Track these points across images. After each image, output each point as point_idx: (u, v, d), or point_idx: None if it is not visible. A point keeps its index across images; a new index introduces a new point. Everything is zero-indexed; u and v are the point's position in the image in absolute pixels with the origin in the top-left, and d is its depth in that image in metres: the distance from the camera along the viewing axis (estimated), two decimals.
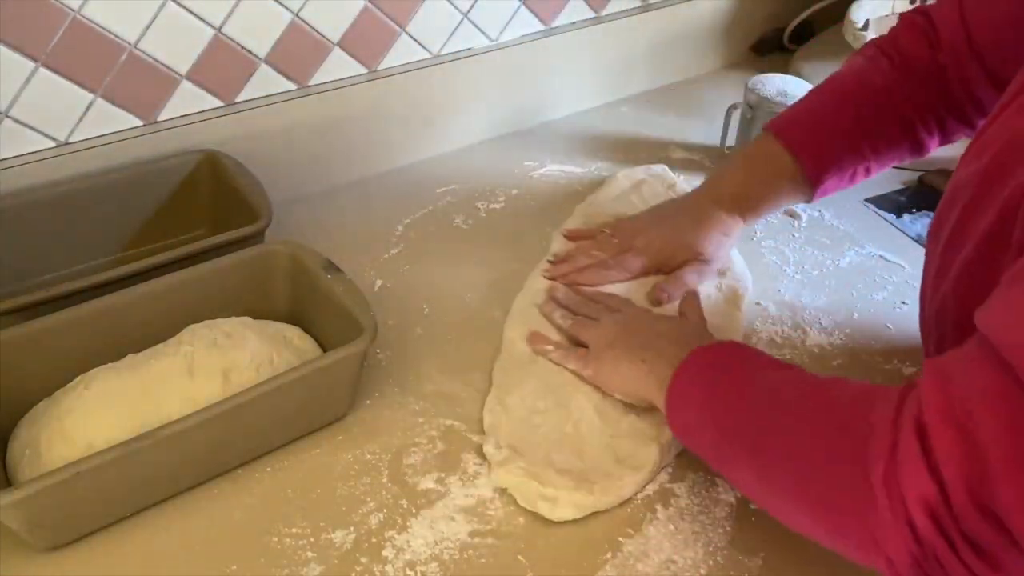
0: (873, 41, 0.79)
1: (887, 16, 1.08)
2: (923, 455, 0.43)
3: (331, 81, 0.90)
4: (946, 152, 0.99)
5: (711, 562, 0.59)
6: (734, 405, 0.57)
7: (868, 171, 0.79)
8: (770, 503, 0.55)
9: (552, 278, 0.79)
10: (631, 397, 0.67)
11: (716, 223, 0.80)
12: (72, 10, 0.72)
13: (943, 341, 0.60)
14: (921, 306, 0.66)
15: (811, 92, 0.81)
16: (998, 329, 0.42)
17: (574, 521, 0.62)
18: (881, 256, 0.88)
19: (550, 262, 0.82)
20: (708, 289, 0.80)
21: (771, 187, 0.79)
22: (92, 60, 0.75)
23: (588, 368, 0.69)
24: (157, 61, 0.78)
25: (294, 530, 0.60)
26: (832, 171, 0.77)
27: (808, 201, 0.80)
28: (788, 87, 0.94)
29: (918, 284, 0.82)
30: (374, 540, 0.60)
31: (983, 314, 0.44)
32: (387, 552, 0.59)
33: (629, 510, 0.62)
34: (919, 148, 0.78)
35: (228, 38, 0.81)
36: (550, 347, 0.72)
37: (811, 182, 0.77)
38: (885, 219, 0.93)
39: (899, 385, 0.48)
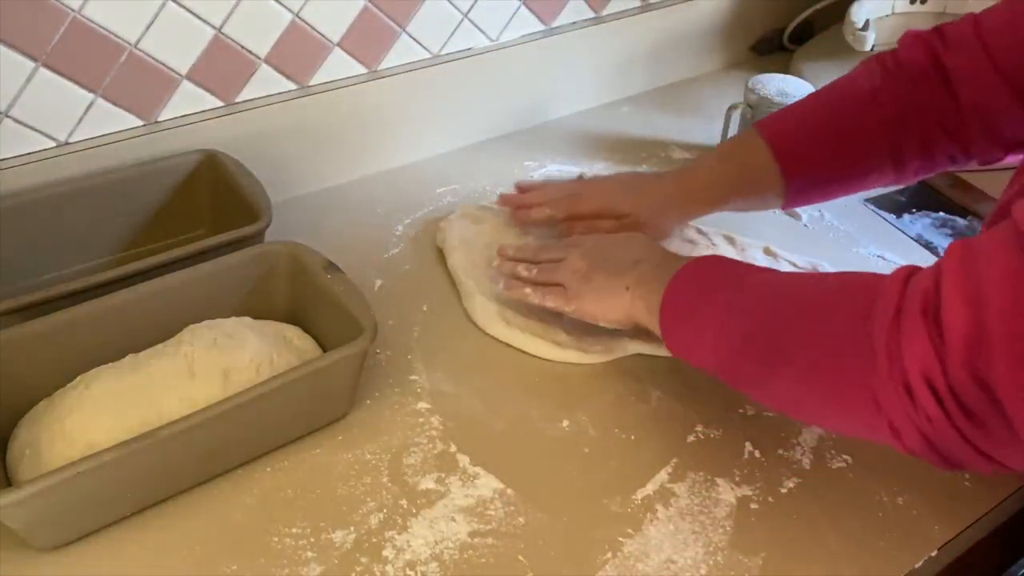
0: (876, 53, 0.78)
1: (887, 16, 1.08)
2: (926, 322, 0.45)
3: (331, 81, 0.90)
4: None
5: (711, 562, 0.59)
6: (733, 309, 0.59)
7: (846, 182, 0.77)
8: (779, 397, 0.57)
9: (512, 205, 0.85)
10: (620, 324, 0.70)
11: (671, 195, 0.79)
12: (72, 10, 0.72)
13: None
14: None
15: (805, 96, 0.81)
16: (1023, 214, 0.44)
17: (574, 521, 0.62)
18: (881, 256, 0.88)
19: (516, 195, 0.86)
20: None
21: (744, 177, 0.78)
22: (92, 60, 0.75)
23: (570, 304, 0.71)
24: (157, 61, 0.78)
25: (294, 530, 0.60)
26: (806, 172, 0.76)
27: (782, 204, 0.78)
28: (788, 87, 0.94)
29: None
30: (374, 540, 0.60)
31: (1018, 202, 0.45)
32: (387, 552, 0.59)
33: (629, 510, 0.63)
34: (899, 162, 0.74)
35: (228, 38, 0.81)
36: (528, 290, 0.73)
37: (784, 176, 0.76)
38: (885, 219, 0.93)
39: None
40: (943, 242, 0.91)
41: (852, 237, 0.90)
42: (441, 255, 0.84)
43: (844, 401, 0.51)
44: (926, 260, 0.86)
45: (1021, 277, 0.42)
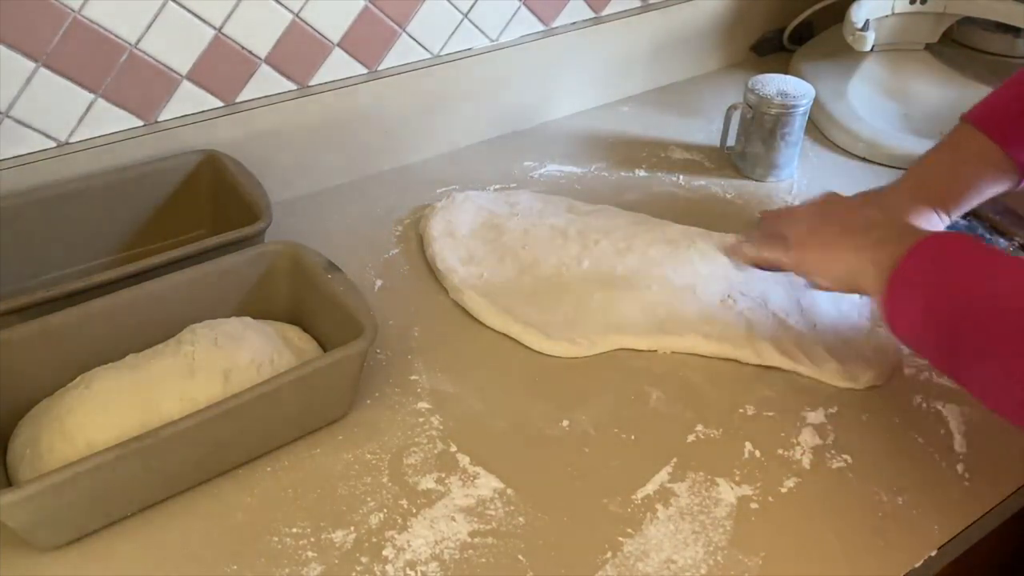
0: None
1: (887, 16, 1.08)
2: None
3: (331, 81, 0.90)
4: None
5: (711, 562, 0.59)
6: (961, 307, 0.57)
7: None
8: (1002, 400, 0.55)
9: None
10: (840, 285, 0.67)
11: (921, 219, 0.76)
12: (72, 10, 0.72)
13: None
14: None
15: (1007, 82, 0.78)
16: None
17: (574, 521, 0.62)
18: None
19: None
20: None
21: (975, 176, 0.75)
22: (92, 60, 0.75)
23: (789, 253, 0.68)
24: (157, 61, 0.78)
25: (294, 530, 0.60)
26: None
27: (1015, 186, 0.75)
28: (788, 87, 0.94)
29: None
30: (374, 540, 0.60)
31: None
32: (387, 552, 0.59)
33: (629, 510, 0.63)
34: None
35: (228, 38, 0.81)
36: (745, 248, 0.72)
37: (1016, 164, 0.73)
38: None
39: None
40: None
41: None
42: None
43: None
44: None
45: None
